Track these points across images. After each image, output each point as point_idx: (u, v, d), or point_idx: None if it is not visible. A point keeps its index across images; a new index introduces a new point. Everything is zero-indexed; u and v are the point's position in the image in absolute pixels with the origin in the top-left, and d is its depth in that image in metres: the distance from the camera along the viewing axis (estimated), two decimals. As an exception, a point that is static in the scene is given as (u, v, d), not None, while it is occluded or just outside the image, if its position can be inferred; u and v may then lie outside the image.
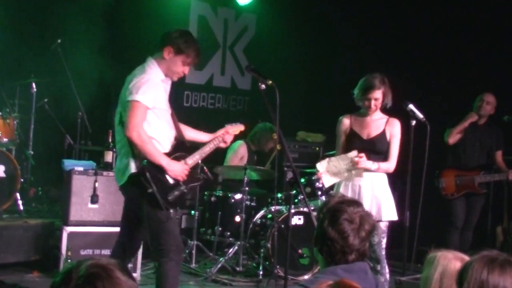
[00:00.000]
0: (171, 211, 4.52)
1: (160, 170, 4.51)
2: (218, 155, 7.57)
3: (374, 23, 9.00)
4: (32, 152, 7.49)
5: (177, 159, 4.64)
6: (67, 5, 7.80)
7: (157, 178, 4.48)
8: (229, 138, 5.01)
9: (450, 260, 2.69)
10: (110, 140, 6.47)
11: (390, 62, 8.53)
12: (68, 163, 6.58)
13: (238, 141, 7.79)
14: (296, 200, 6.90)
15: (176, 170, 4.57)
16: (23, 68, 7.66)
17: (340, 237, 2.67)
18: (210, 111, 9.63)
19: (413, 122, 6.08)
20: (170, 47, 4.59)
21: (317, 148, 8.41)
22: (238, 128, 5.11)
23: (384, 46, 8.78)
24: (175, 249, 4.54)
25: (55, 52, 7.49)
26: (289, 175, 7.86)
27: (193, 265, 6.95)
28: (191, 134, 4.92)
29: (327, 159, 5.28)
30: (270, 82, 4.83)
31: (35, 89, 7.49)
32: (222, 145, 5.00)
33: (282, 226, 6.60)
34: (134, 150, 4.48)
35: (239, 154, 7.78)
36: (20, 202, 6.83)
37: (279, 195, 7.25)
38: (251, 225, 7.02)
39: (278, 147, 5.17)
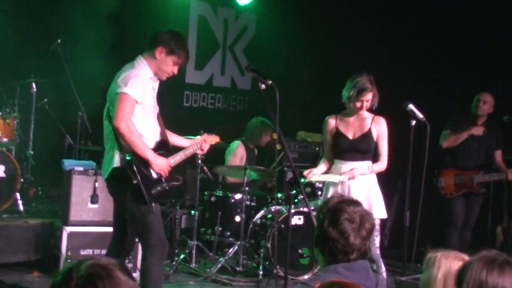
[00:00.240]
0: (153, 205, 4.54)
1: (144, 164, 4.54)
2: (218, 155, 7.59)
3: (374, 23, 9.00)
4: (32, 152, 7.49)
5: (160, 156, 4.68)
6: (67, 5, 7.81)
7: (141, 171, 4.52)
8: (205, 146, 5.06)
9: (453, 260, 2.69)
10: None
11: (390, 62, 8.54)
12: (68, 163, 6.58)
13: (235, 141, 7.79)
14: (296, 200, 6.90)
15: (161, 165, 4.61)
16: (23, 68, 7.65)
17: (341, 237, 2.67)
18: (210, 111, 9.62)
19: (413, 122, 6.08)
20: (162, 48, 4.63)
21: (317, 148, 8.39)
22: (214, 139, 5.17)
23: (384, 46, 8.78)
24: (158, 244, 4.58)
25: (55, 52, 7.48)
26: (289, 175, 7.85)
27: (193, 265, 6.94)
28: (173, 138, 4.98)
29: (319, 175, 5.46)
30: (270, 82, 4.83)
31: (35, 89, 7.49)
32: (199, 152, 5.06)
33: (282, 226, 6.59)
34: (120, 143, 4.50)
35: (238, 155, 7.77)
36: (20, 202, 6.82)
37: (279, 195, 7.25)
38: (251, 225, 7.02)
39: (278, 147, 5.18)
